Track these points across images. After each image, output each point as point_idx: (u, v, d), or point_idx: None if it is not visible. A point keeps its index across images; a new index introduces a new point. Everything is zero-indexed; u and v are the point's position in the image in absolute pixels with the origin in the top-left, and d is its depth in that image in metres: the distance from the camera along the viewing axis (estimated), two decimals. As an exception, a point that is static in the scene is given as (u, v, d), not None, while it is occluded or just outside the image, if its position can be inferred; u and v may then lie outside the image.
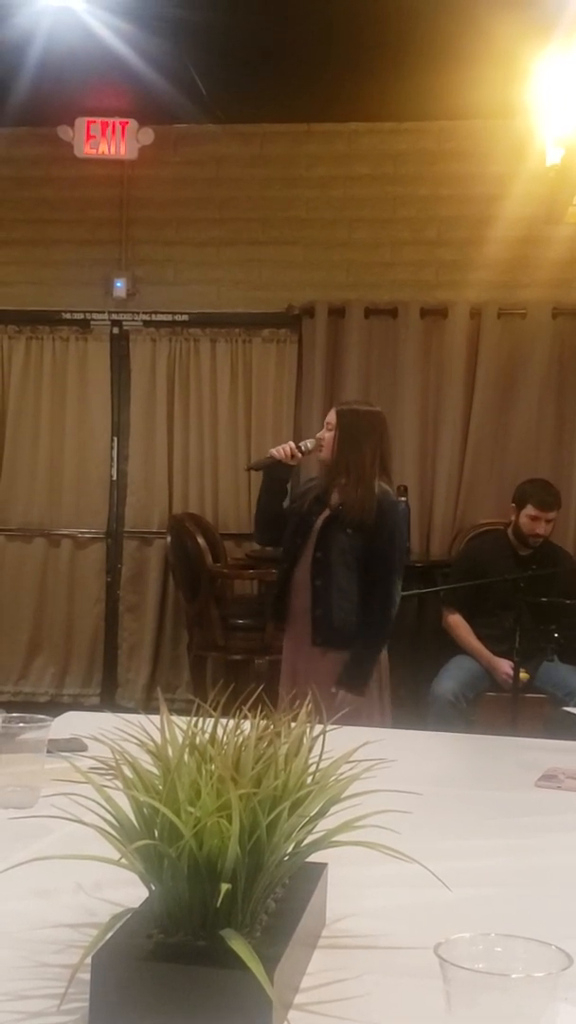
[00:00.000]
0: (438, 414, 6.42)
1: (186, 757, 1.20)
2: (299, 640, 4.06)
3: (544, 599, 4.85)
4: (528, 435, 6.35)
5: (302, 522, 4.04)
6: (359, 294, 6.49)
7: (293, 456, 4.07)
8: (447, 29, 5.01)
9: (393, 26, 5.10)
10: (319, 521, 4.00)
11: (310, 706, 1.37)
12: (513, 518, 5.35)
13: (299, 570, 4.03)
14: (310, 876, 1.31)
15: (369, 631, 3.97)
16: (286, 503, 4.20)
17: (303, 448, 4.08)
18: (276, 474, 4.14)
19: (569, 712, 4.28)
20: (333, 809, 1.26)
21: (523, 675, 4.79)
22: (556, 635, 5.00)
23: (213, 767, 1.17)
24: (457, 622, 5.25)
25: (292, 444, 4.11)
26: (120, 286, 6.69)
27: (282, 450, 4.08)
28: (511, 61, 5.01)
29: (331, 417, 4.07)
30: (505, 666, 4.96)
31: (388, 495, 4.00)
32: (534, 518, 5.24)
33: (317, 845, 1.25)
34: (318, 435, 4.10)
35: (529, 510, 5.25)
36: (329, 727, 1.36)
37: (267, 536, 4.35)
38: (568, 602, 4.91)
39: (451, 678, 5.12)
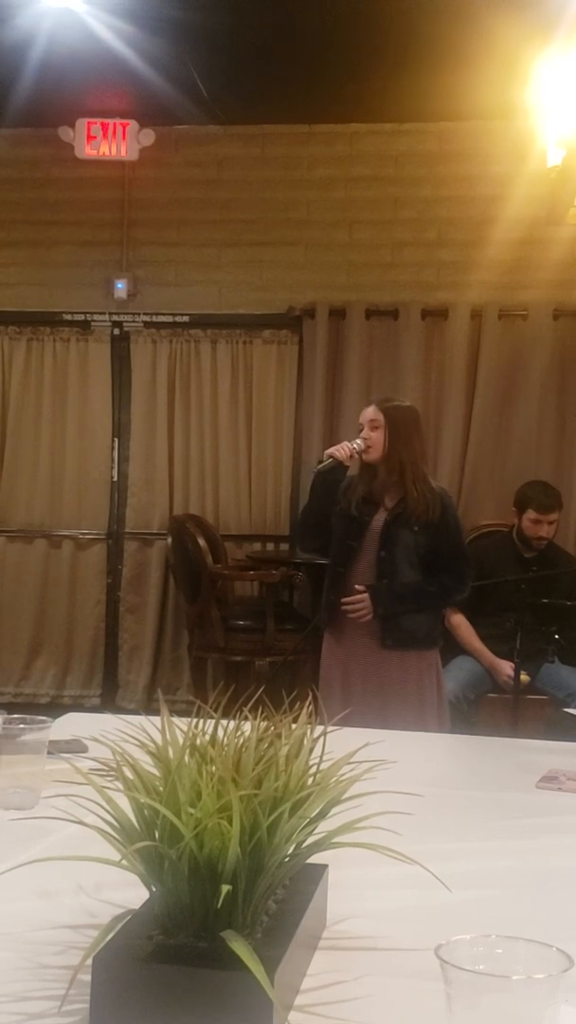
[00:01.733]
0: (439, 415, 6.42)
1: (187, 758, 1.20)
2: (354, 643, 4.04)
3: (545, 600, 4.85)
4: (529, 436, 6.34)
5: (354, 524, 4.02)
6: (360, 295, 6.49)
7: (351, 456, 4.02)
8: (448, 30, 5.01)
9: (394, 27, 5.10)
10: (376, 522, 3.99)
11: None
12: (516, 522, 5.35)
13: (356, 573, 4.01)
14: (311, 877, 1.30)
15: (433, 586, 4.01)
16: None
17: (357, 448, 4.02)
18: (333, 476, 4.08)
19: (570, 714, 4.28)
20: (334, 810, 1.26)
21: (524, 677, 4.79)
22: (557, 636, 5.00)
23: (214, 768, 1.17)
24: (460, 623, 5.25)
25: (348, 444, 4.03)
26: (121, 287, 6.69)
27: (342, 449, 4.01)
28: (512, 62, 5.02)
29: (374, 415, 4.02)
30: (507, 668, 4.96)
31: (447, 491, 4.13)
32: (536, 522, 5.25)
33: (318, 846, 1.25)
34: (363, 435, 4.03)
35: (530, 514, 5.25)
36: (330, 728, 1.36)
37: (316, 542, 4.28)
38: (569, 604, 4.91)
39: (452, 679, 5.12)
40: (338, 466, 4.03)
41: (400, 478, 3.97)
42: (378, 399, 4.19)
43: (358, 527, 4.00)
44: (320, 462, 4.10)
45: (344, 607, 3.95)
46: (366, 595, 3.93)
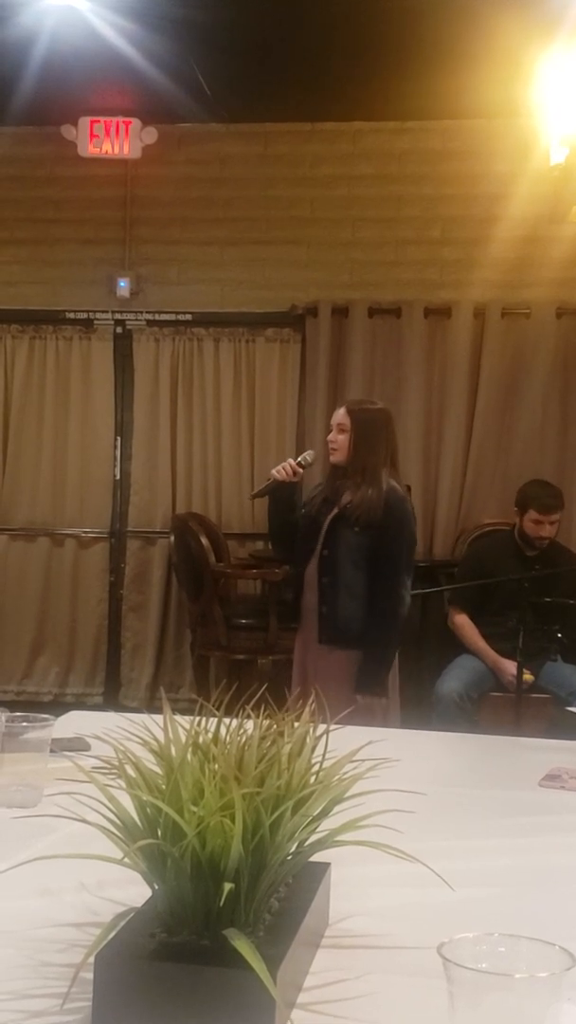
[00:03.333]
0: (442, 414, 6.42)
1: (189, 756, 1.20)
2: (308, 639, 4.07)
3: (548, 599, 4.85)
4: (532, 435, 6.34)
5: (312, 523, 4.04)
6: (363, 293, 6.49)
7: (295, 473, 4.06)
8: (451, 28, 5.00)
9: (397, 25, 5.09)
10: (327, 520, 4.00)
11: (314, 705, 1.36)
12: (517, 521, 5.34)
13: (309, 569, 4.05)
14: (313, 876, 1.30)
15: (378, 630, 3.96)
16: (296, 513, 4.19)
17: (303, 463, 4.07)
18: (280, 494, 4.12)
19: (572, 712, 4.28)
20: (336, 809, 1.26)
21: (527, 676, 4.78)
22: (560, 635, 5.00)
23: (216, 766, 1.17)
24: (464, 622, 5.25)
25: (292, 461, 4.08)
26: (124, 285, 6.69)
27: (283, 470, 4.06)
28: (515, 60, 5.01)
29: (342, 418, 4.04)
30: (511, 668, 4.95)
31: (395, 492, 3.99)
32: (537, 522, 5.24)
33: (320, 844, 1.25)
34: (329, 437, 4.07)
35: (532, 515, 5.24)
36: (333, 727, 1.36)
37: (284, 550, 4.32)
38: (572, 602, 4.91)
39: (455, 678, 5.12)
40: (280, 485, 4.07)
41: (360, 479, 3.96)
42: (349, 401, 4.21)
43: (315, 526, 4.02)
44: (265, 481, 4.16)
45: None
46: (360, 705, 3.86)
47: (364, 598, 3.96)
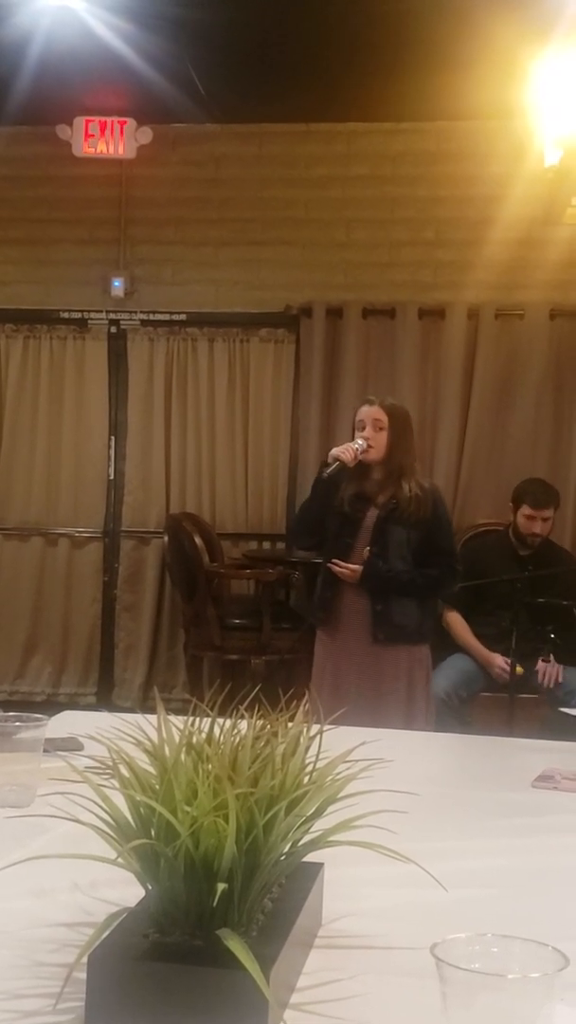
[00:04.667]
0: (436, 415, 6.42)
1: (183, 756, 1.20)
2: (347, 639, 4.07)
3: (541, 600, 4.86)
4: (526, 436, 6.35)
5: (347, 521, 4.05)
6: (357, 294, 6.49)
7: (355, 457, 4.03)
8: (446, 30, 5.01)
9: (392, 27, 5.10)
10: (369, 519, 4.03)
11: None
12: (512, 518, 5.37)
13: None
14: (307, 876, 1.30)
15: (423, 577, 4.06)
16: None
17: (359, 449, 4.03)
18: (336, 477, 4.09)
19: (566, 713, 4.28)
20: (330, 809, 1.26)
21: (518, 669, 4.80)
22: (552, 635, 5.01)
23: (210, 766, 1.17)
24: (455, 620, 5.27)
25: (352, 446, 4.03)
26: (118, 285, 6.69)
27: (347, 452, 4.01)
28: (510, 62, 5.02)
29: (379, 415, 4.04)
30: (500, 660, 4.99)
31: (437, 488, 4.20)
32: (530, 517, 5.27)
33: (314, 845, 1.25)
34: (364, 434, 4.05)
35: (525, 509, 5.28)
36: (326, 727, 1.36)
37: (312, 540, 4.31)
38: (565, 603, 4.92)
39: (444, 677, 5.13)
40: (344, 468, 4.04)
41: (396, 477, 4.01)
42: (379, 398, 4.19)
43: (352, 524, 4.04)
44: (326, 465, 4.07)
45: (334, 566, 3.99)
46: (359, 568, 4.01)
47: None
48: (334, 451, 4.05)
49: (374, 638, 4.02)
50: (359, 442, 4.03)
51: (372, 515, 4.05)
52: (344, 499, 4.08)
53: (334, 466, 4.01)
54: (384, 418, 4.03)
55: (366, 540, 4.04)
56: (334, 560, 4.05)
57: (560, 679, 5.01)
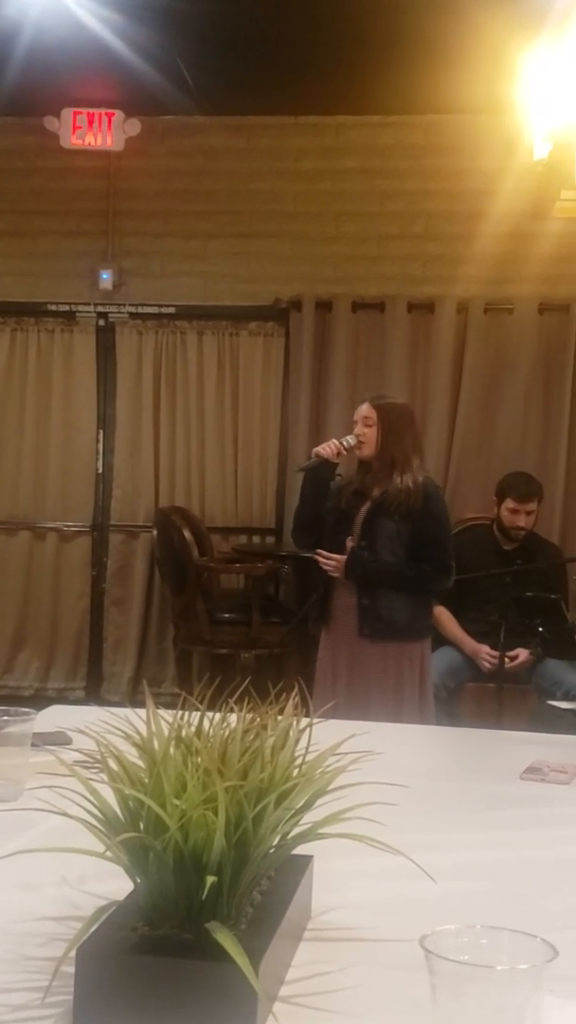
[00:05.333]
0: (425, 409, 6.42)
1: (172, 750, 1.19)
2: (341, 635, 4.08)
3: (529, 594, 4.86)
4: (515, 430, 6.36)
5: (343, 517, 4.06)
6: (346, 288, 6.48)
7: (339, 453, 4.09)
8: (435, 23, 5.00)
9: (381, 19, 5.09)
10: (362, 513, 4.03)
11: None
12: (496, 512, 5.38)
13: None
14: (296, 868, 1.30)
15: (412, 570, 4.02)
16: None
17: (345, 444, 4.09)
18: (321, 474, 4.15)
19: (553, 706, 4.30)
20: (319, 801, 1.26)
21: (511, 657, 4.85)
22: (541, 629, 5.01)
23: (199, 760, 1.17)
24: (441, 612, 5.28)
25: (336, 442, 4.11)
26: (106, 278, 6.67)
27: (329, 447, 4.10)
28: (499, 56, 5.00)
29: (368, 412, 4.09)
30: (485, 651, 5.01)
31: (432, 481, 4.15)
32: (514, 510, 5.29)
33: (303, 837, 1.25)
34: (356, 431, 4.10)
35: (509, 503, 5.30)
36: (316, 720, 1.36)
37: (309, 538, 4.30)
38: (553, 597, 4.92)
39: (433, 668, 5.14)
40: (324, 463, 4.09)
41: (390, 472, 4.02)
42: (372, 396, 4.24)
43: (347, 520, 4.05)
44: (308, 459, 4.17)
45: (319, 558, 3.99)
46: (343, 558, 4.01)
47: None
48: (317, 447, 4.16)
49: (360, 633, 4.02)
50: (349, 438, 4.10)
51: (365, 509, 4.06)
52: (343, 496, 4.10)
53: (312, 460, 4.11)
54: (373, 415, 4.07)
55: (357, 534, 4.05)
56: (319, 551, 4.06)
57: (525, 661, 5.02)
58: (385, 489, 4.02)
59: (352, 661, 4.04)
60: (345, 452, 4.11)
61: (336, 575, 4.04)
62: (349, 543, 4.03)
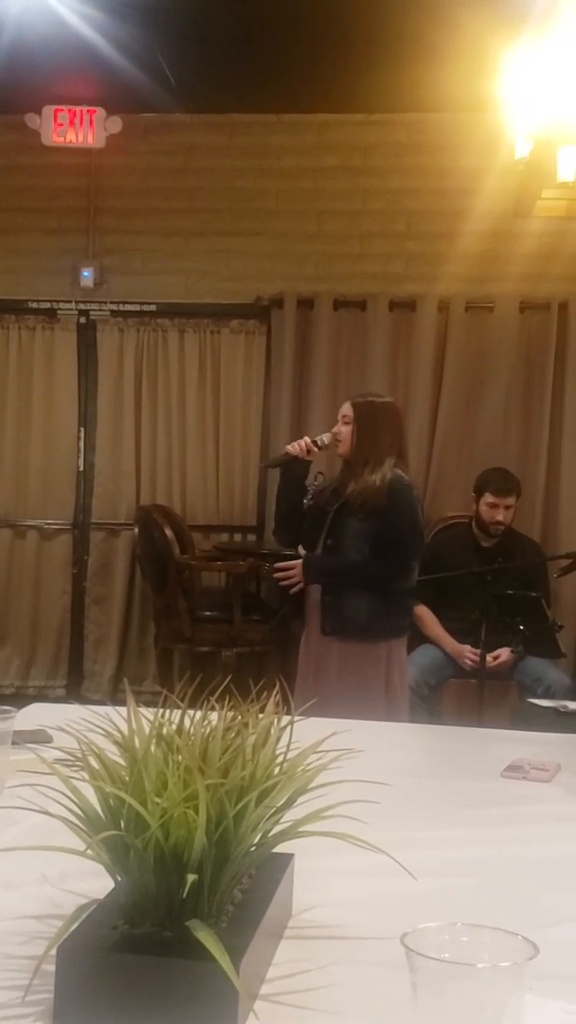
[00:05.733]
0: (406, 406, 6.41)
1: (153, 748, 1.19)
2: (312, 633, 4.08)
3: (510, 592, 4.87)
4: (495, 428, 6.37)
5: (320, 513, 4.06)
6: (328, 286, 6.49)
7: (309, 451, 4.09)
8: (417, 22, 5.00)
9: (363, 18, 5.09)
10: (332, 510, 4.02)
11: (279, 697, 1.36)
12: (474, 508, 5.41)
13: None
14: (277, 867, 1.30)
15: (373, 570, 3.98)
16: (306, 500, 4.19)
17: (319, 443, 4.09)
18: (293, 471, 4.14)
19: (534, 703, 4.31)
20: (300, 799, 1.26)
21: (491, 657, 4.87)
22: (522, 627, 5.02)
23: (180, 758, 1.16)
24: (423, 613, 5.30)
25: (308, 439, 4.11)
26: (87, 275, 6.65)
27: (297, 446, 4.10)
28: (481, 54, 5.01)
29: (347, 410, 4.08)
30: (468, 650, 5.02)
31: (401, 479, 4.02)
32: (492, 505, 5.32)
33: (284, 835, 1.25)
34: (334, 430, 4.09)
35: (487, 497, 5.33)
36: (297, 717, 1.36)
37: (287, 535, 4.31)
38: (534, 595, 4.94)
39: (414, 665, 5.16)
40: (293, 460, 4.09)
41: (362, 470, 4.00)
42: (355, 394, 4.23)
43: (321, 517, 4.04)
44: (279, 455, 4.20)
45: (275, 574, 4.01)
46: (299, 563, 4.00)
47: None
48: (288, 445, 4.17)
49: (322, 630, 4.02)
50: (324, 436, 4.11)
51: (334, 507, 4.05)
52: (324, 495, 4.10)
53: (277, 457, 4.13)
54: (350, 413, 4.06)
55: (326, 532, 4.05)
56: (276, 565, 4.07)
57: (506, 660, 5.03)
58: (356, 486, 4.01)
59: (318, 658, 4.03)
60: (318, 450, 4.10)
61: (297, 583, 4.02)
62: (301, 550, 4.04)
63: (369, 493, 3.94)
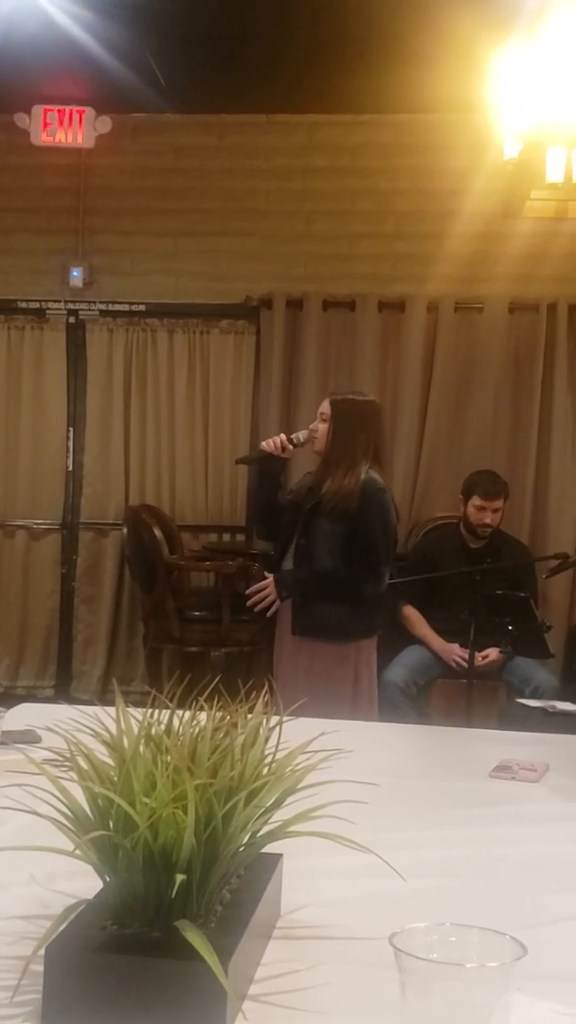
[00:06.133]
0: (395, 407, 6.43)
1: (142, 748, 1.19)
2: (280, 632, 4.09)
3: (498, 592, 4.88)
4: (484, 429, 6.38)
5: (296, 511, 4.05)
6: (317, 286, 6.49)
7: (284, 448, 4.07)
8: (406, 23, 5.01)
9: (353, 19, 5.09)
10: (306, 509, 4.02)
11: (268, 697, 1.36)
12: (463, 510, 5.42)
13: (287, 560, 4.07)
14: (265, 867, 1.30)
15: (343, 576, 3.96)
16: (282, 496, 4.19)
17: (295, 440, 4.07)
18: (268, 467, 4.13)
19: (523, 704, 4.32)
20: (289, 800, 1.26)
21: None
22: (510, 628, 5.04)
23: (169, 758, 1.16)
24: (411, 612, 5.32)
25: (283, 436, 4.10)
26: (77, 275, 6.64)
27: (273, 442, 4.08)
28: (470, 55, 5.02)
29: (325, 408, 4.06)
30: (456, 649, 5.03)
31: (374, 482, 3.98)
32: (480, 508, 5.32)
33: (273, 836, 1.25)
34: (311, 426, 4.08)
35: (475, 500, 5.33)
36: (286, 718, 1.36)
37: (265, 530, 4.32)
38: (522, 595, 4.95)
39: (402, 665, 5.18)
40: (268, 457, 4.07)
41: (336, 469, 3.98)
42: (333, 391, 4.22)
43: (296, 515, 4.04)
44: (254, 452, 4.20)
45: (249, 601, 3.99)
46: (269, 581, 3.98)
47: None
48: (263, 442, 4.16)
49: (292, 630, 4.03)
50: (300, 433, 4.10)
51: (308, 507, 4.04)
52: (301, 492, 4.09)
53: (252, 454, 4.12)
54: (328, 410, 4.04)
55: (299, 532, 4.04)
56: (247, 591, 4.06)
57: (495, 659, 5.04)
58: (329, 487, 3.99)
59: (289, 657, 4.03)
60: (293, 447, 4.09)
61: (272, 602, 4.01)
62: (265, 575, 4.04)
63: (341, 496, 3.91)
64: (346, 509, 3.91)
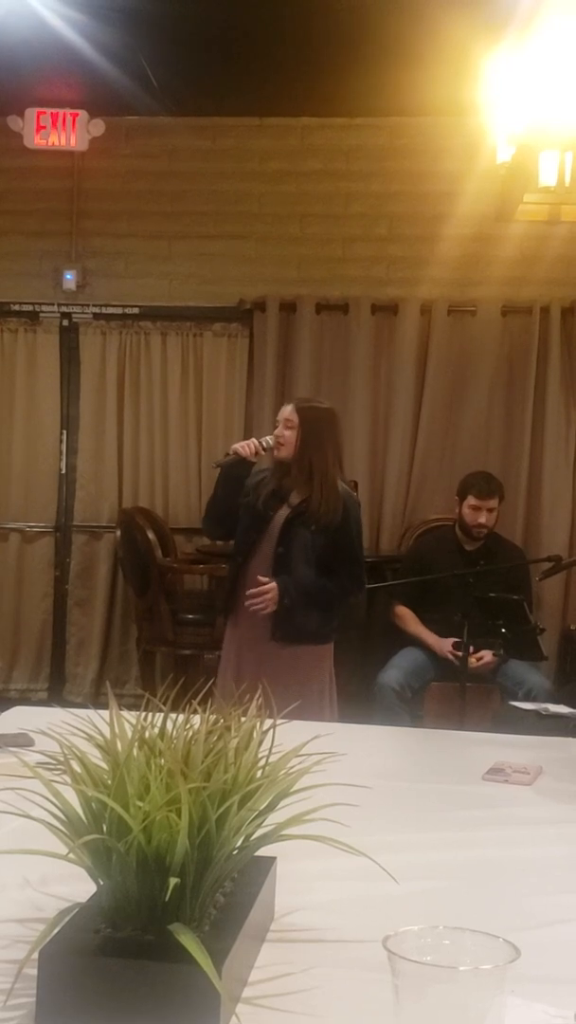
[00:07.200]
0: (389, 410, 6.44)
1: (135, 751, 1.19)
2: (248, 634, 4.07)
3: (492, 595, 4.88)
4: (477, 431, 6.38)
5: (258, 517, 4.04)
6: (310, 289, 6.49)
7: (256, 453, 4.09)
8: (399, 26, 5.02)
9: (346, 22, 5.10)
10: (279, 517, 4.01)
11: (260, 700, 1.36)
12: (457, 511, 5.42)
13: (254, 565, 4.04)
14: (259, 870, 1.30)
15: (333, 585, 4.04)
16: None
17: (264, 444, 4.09)
18: (236, 471, 4.14)
19: (516, 707, 4.32)
20: (283, 803, 1.26)
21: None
22: (504, 630, 5.04)
23: (162, 761, 1.16)
24: (404, 612, 5.33)
25: (255, 441, 4.12)
26: (70, 278, 6.64)
27: (247, 447, 4.10)
28: (463, 58, 5.02)
29: (290, 414, 4.06)
30: (448, 644, 5.04)
31: (352, 495, 4.12)
32: (475, 508, 5.32)
33: (266, 839, 1.25)
34: (276, 432, 4.09)
35: (470, 500, 5.33)
36: (280, 721, 1.36)
37: (220, 531, 4.36)
38: (516, 598, 4.95)
39: (397, 668, 5.18)
40: (241, 461, 4.11)
41: (308, 478, 4.00)
42: (297, 399, 4.26)
43: (261, 521, 4.04)
44: (226, 455, 4.20)
45: (248, 601, 3.98)
46: (273, 586, 3.96)
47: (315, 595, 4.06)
48: (235, 445, 4.17)
49: (272, 636, 4.03)
50: (268, 438, 4.11)
51: (282, 514, 4.03)
52: (261, 496, 4.08)
53: (229, 458, 4.13)
54: (295, 418, 4.05)
55: (272, 539, 4.03)
56: (249, 592, 4.02)
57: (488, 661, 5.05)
58: (306, 497, 4.00)
59: (263, 661, 4.01)
60: (263, 452, 4.11)
61: (270, 610, 4.02)
62: (261, 579, 4.00)
63: (328, 509, 3.97)
64: (330, 520, 3.98)
